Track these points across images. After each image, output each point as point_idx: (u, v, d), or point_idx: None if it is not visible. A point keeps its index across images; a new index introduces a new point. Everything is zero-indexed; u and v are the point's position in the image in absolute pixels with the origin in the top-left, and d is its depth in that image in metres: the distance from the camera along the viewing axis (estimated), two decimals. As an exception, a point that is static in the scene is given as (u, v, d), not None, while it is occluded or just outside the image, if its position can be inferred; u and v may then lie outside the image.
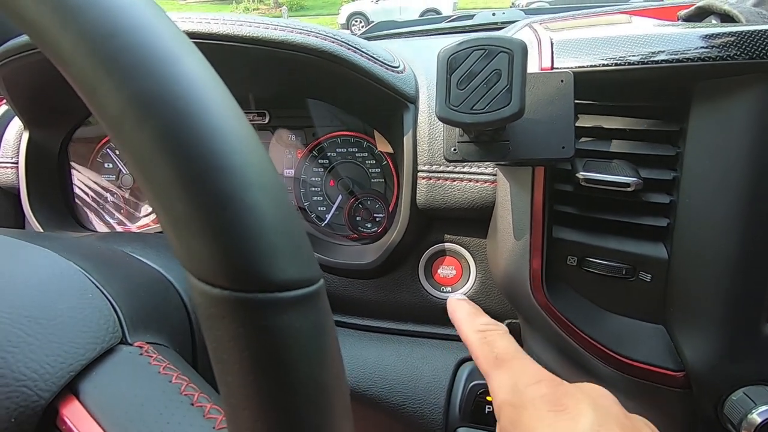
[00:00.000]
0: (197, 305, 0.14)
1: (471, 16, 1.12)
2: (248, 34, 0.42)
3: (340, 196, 0.61)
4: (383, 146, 0.58)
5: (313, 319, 0.15)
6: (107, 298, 0.27)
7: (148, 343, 0.26)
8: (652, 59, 0.35)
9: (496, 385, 0.28)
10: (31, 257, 0.27)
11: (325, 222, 0.62)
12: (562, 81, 0.35)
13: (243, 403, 0.14)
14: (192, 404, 0.22)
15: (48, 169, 0.60)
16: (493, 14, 1.08)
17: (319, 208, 0.62)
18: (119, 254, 0.35)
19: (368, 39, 0.73)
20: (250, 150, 0.15)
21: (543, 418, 0.24)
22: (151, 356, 0.25)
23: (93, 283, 0.27)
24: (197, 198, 0.13)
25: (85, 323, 0.24)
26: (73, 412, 0.21)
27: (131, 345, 0.25)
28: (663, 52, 0.35)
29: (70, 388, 0.22)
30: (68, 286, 0.25)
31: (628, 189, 0.37)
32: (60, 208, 0.61)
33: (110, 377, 0.23)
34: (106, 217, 0.66)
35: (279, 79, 0.54)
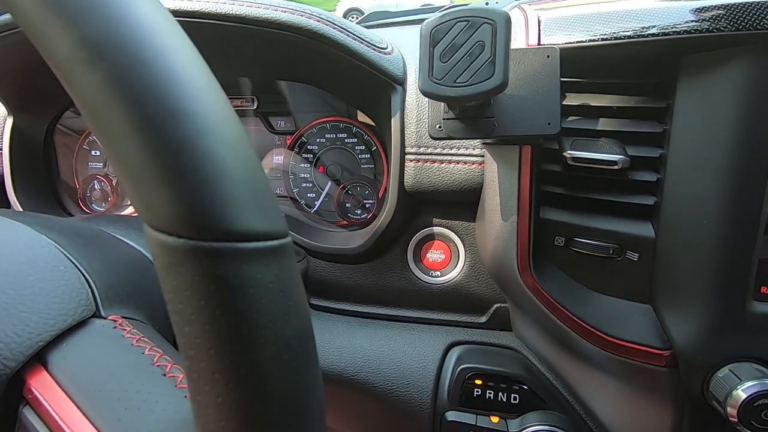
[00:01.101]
0: (154, 256, 0.14)
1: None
2: (230, 12, 0.42)
3: (329, 183, 0.60)
4: (363, 118, 0.57)
5: (276, 272, 0.14)
6: (81, 272, 0.26)
7: (123, 317, 0.26)
8: (640, 33, 0.35)
9: None
10: (2, 229, 0.26)
11: (315, 209, 0.61)
12: (548, 57, 0.35)
13: (200, 354, 0.13)
14: (164, 374, 0.22)
15: (33, 155, 0.60)
16: (486, 3, 1.08)
17: (308, 195, 0.61)
18: (98, 233, 0.34)
19: (361, 27, 0.72)
20: (208, 97, 0.14)
21: None
22: (125, 329, 0.24)
23: (66, 256, 0.26)
24: (150, 143, 0.13)
25: (56, 295, 0.23)
26: (40, 382, 0.20)
27: (105, 318, 0.25)
28: (653, 26, 0.35)
29: (38, 358, 0.21)
30: (40, 258, 0.25)
31: (616, 167, 0.37)
32: (45, 195, 0.60)
33: (81, 348, 0.22)
34: (93, 204, 0.65)
35: (267, 62, 0.53)
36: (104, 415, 0.19)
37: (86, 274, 0.26)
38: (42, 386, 0.20)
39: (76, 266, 0.26)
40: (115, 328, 0.24)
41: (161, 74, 0.13)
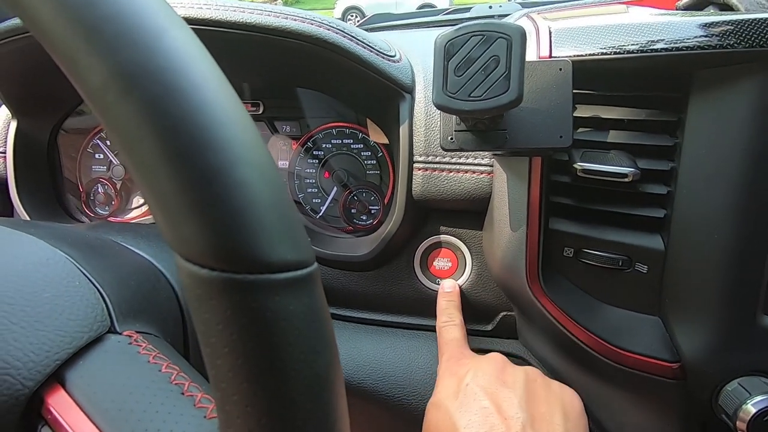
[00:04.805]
0: (185, 287, 0.14)
1: (467, 9, 1.11)
2: (241, 20, 0.42)
3: (335, 189, 0.60)
4: (376, 137, 0.57)
5: (307, 302, 0.14)
6: (95, 286, 0.26)
7: (137, 332, 0.26)
8: (650, 48, 0.35)
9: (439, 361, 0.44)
10: (16, 244, 0.26)
11: (320, 214, 0.61)
12: (560, 69, 0.35)
13: (233, 389, 0.13)
14: (182, 393, 0.22)
15: (37, 159, 0.59)
16: (490, 7, 1.07)
17: (313, 201, 0.61)
18: (108, 243, 0.34)
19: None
20: (239, 125, 0.14)
21: (444, 381, 0.39)
22: (141, 345, 0.24)
23: (80, 270, 0.26)
24: (183, 173, 0.13)
25: (72, 311, 0.23)
26: (58, 402, 0.20)
27: (120, 334, 0.25)
28: (662, 40, 0.35)
29: (56, 377, 0.21)
30: (54, 273, 0.25)
31: (626, 180, 0.37)
32: (49, 199, 0.60)
33: (98, 366, 0.22)
34: (97, 208, 0.65)
35: (273, 68, 0.53)
36: (125, 437, 0.19)
37: (100, 289, 0.26)
38: (60, 406, 0.20)
39: (90, 280, 0.26)
40: (130, 344, 0.24)
41: (195, 103, 0.13)
